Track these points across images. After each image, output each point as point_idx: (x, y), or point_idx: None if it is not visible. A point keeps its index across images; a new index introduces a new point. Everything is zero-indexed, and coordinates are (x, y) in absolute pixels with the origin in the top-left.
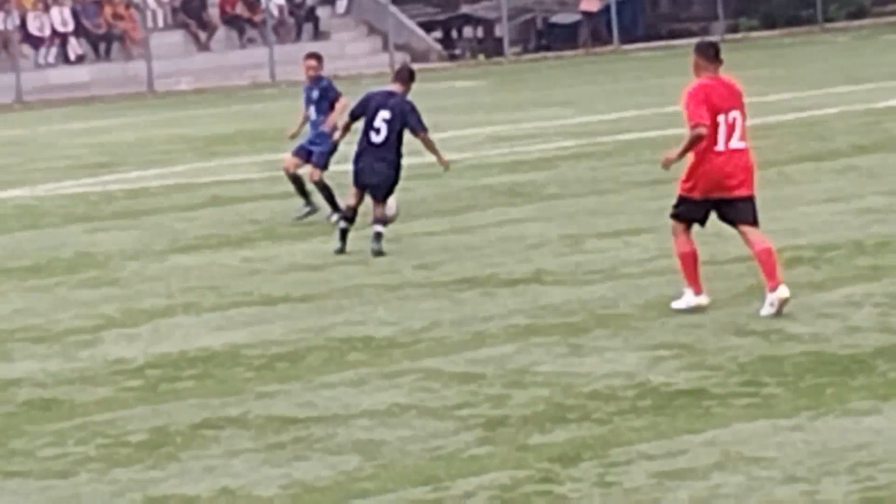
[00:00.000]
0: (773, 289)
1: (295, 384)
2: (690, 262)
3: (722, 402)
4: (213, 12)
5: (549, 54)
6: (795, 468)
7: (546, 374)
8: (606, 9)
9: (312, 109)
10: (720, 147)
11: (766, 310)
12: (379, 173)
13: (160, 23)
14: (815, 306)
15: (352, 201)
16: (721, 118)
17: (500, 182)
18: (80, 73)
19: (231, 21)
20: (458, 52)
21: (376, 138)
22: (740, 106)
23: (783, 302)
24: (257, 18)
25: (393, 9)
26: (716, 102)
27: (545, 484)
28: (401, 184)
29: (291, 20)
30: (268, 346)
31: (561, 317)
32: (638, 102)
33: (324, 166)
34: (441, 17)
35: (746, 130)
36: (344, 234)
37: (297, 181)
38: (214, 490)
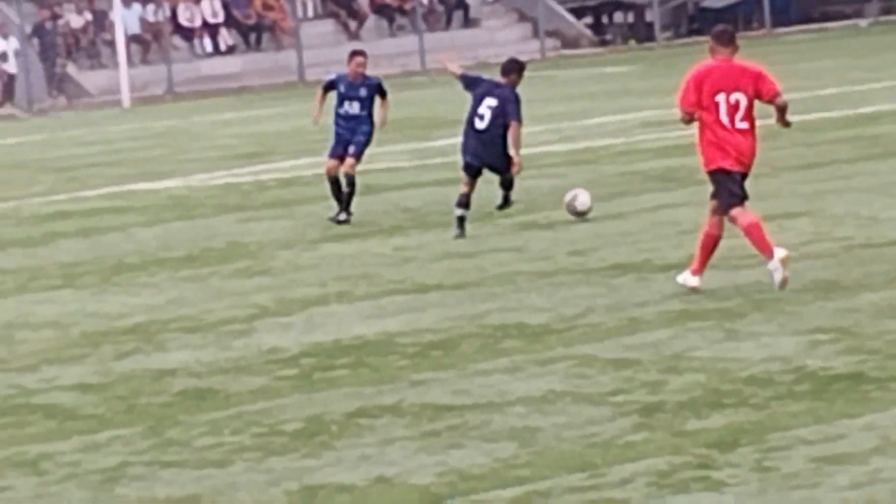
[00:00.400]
0: (771, 256)
1: (449, 372)
2: (710, 245)
3: (881, 385)
4: (363, 1)
5: (701, 39)
6: None
7: (702, 359)
8: None
9: (356, 105)
10: (726, 123)
11: (777, 276)
12: (491, 154)
13: (310, 13)
14: None
15: (464, 189)
16: (721, 97)
17: (653, 167)
18: (232, 64)
19: (381, 10)
20: (608, 37)
21: (480, 124)
22: (746, 89)
23: (784, 261)
24: (407, 6)
25: None
26: (715, 82)
27: (702, 470)
28: (553, 170)
29: (441, 8)
30: (421, 333)
31: (716, 302)
32: (791, 86)
33: (359, 158)
34: (591, 2)
35: (751, 113)
36: (461, 221)
37: (338, 184)
38: (370, 478)
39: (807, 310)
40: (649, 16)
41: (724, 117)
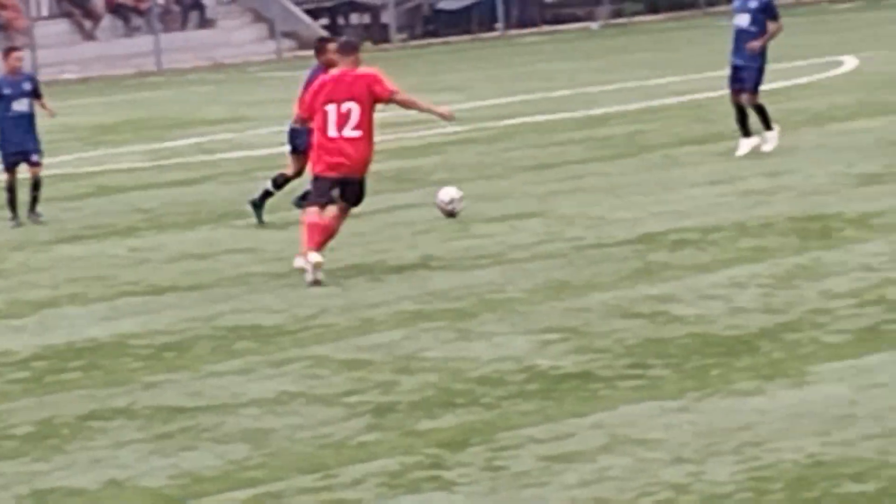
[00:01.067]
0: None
1: (182, 374)
2: (316, 230)
3: (609, 384)
4: (98, 1)
5: (436, 40)
6: (682, 449)
7: (434, 359)
8: None
9: (26, 102)
10: (331, 132)
11: (308, 277)
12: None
13: (44, 11)
14: (700, 288)
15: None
16: (331, 107)
17: (388, 168)
18: None
19: (116, 10)
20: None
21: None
22: (360, 97)
23: (316, 266)
24: (143, 7)
25: None
26: (329, 93)
27: (434, 469)
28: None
29: (177, 8)
30: (155, 335)
31: (449, 302)
32: (524, 87)
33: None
34: (328, 3)
35: (367, 119)
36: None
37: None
38: (101, 482)
39: (537, 310)
40: (385, 17)
41: (330, 126)
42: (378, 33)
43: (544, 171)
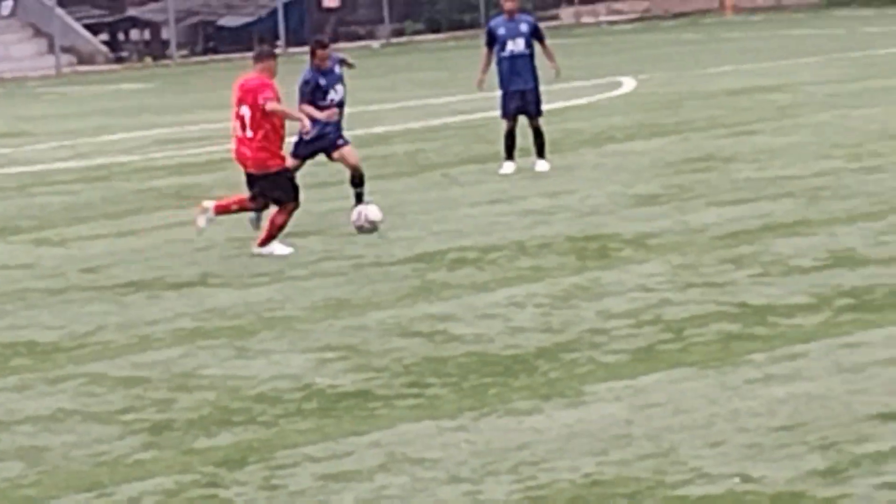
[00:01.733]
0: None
1: None
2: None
3: (387, 403)
4: None
5: (217, 57)
6: (459, 468)
7: (212, 377)
8: (273, 11)
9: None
10: (240, 133)
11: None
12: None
13: None
14: (478, 307)
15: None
16: (243, 110)
17: (168, 185)
18: None
19: None
20: (124, 54)
21: None
22: (252, 102)
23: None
24: None
25: (59, 11)
26: (238, 98)
27: (210, 488)
28: (67, 186)
29: None
30: None
31: (227, 319)
32: None
33: None
34: (108, 19)
35: (257, 122)
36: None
37: None
38: None
39: (316, 328)
40: (165, 33)
41: (238, 127)
42: (159, 49)
43: (325, 189)
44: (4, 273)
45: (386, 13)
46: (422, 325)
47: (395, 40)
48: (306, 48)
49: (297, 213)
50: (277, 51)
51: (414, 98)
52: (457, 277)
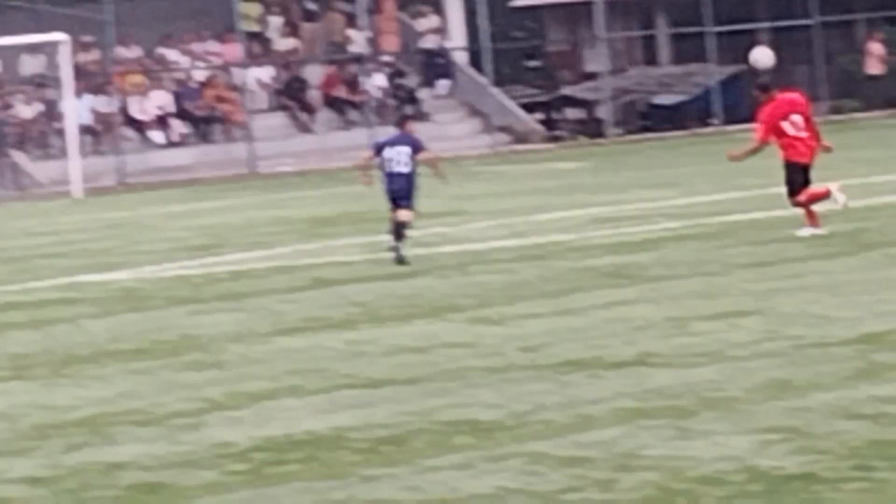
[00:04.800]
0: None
1: (400, 468)
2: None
3: (833, 486)
4: (315, 94)
5: (651, 135)
6: None
7: (654, 457)
8: (707, 91)
9: None
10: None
11: None
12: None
13: (262, 105)
14: None
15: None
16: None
17: (604, 263)
18: (183, 156)
19: (332, 103)
20: (559, 133)
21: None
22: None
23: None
24: (358, 100)
25: (494, 90)
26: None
27: None
28: (504, 265)
29: (393, 102)
30: (372, 429)
31: (668, 400)
32: (741, 184)
33: None
34: (543, 98)
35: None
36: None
37: None
38: None
39: (758, 409)
40: (600, 112)
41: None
42: (593, 128)
43: (763, 269)
44: (445, 351)
45: (823, 90)
46: (866, 406)
47: (832, 117)
48: (744, 126)
49: (735, 293)
50: (712, 129)
51: (853, 176)
52: None
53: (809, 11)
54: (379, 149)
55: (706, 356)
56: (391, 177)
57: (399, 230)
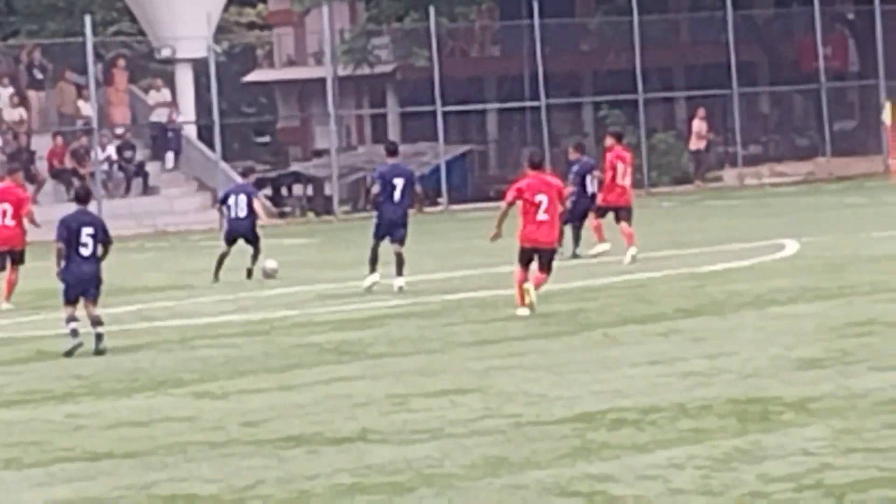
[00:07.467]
0: None
1: None
2: None
3: None
4: (42, 165)
5: None
6: None
7: None
8: (436, 169)
9: None
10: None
11: None
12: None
13: None
14: (637, 468)
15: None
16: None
17: (328, 340)
18: None
19: (59, 174)
20: (287, 209)
21: None
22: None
23: None
24: (85, 172)
25: (223, 165)
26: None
27: None
28: (228, 340)
29: (121, 174)
30: (90, 503)
31: (386, 476)
32: (466, 262)
33: None
34: (271, 174)
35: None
36: None
37: None
38: None
39: (475, 485)
40: (328, 189)
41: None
42: (321, 205)
43: (484, 347)
44: (165, 425)
45: None
46: (581, 485)
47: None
48: (468, 205)
49: (456, 371)
50: (440, 208)
51: (573, 259)
52: (616, 438)
53: (539, 93)
54: None
55: (426, 433)
56: None
57: None
